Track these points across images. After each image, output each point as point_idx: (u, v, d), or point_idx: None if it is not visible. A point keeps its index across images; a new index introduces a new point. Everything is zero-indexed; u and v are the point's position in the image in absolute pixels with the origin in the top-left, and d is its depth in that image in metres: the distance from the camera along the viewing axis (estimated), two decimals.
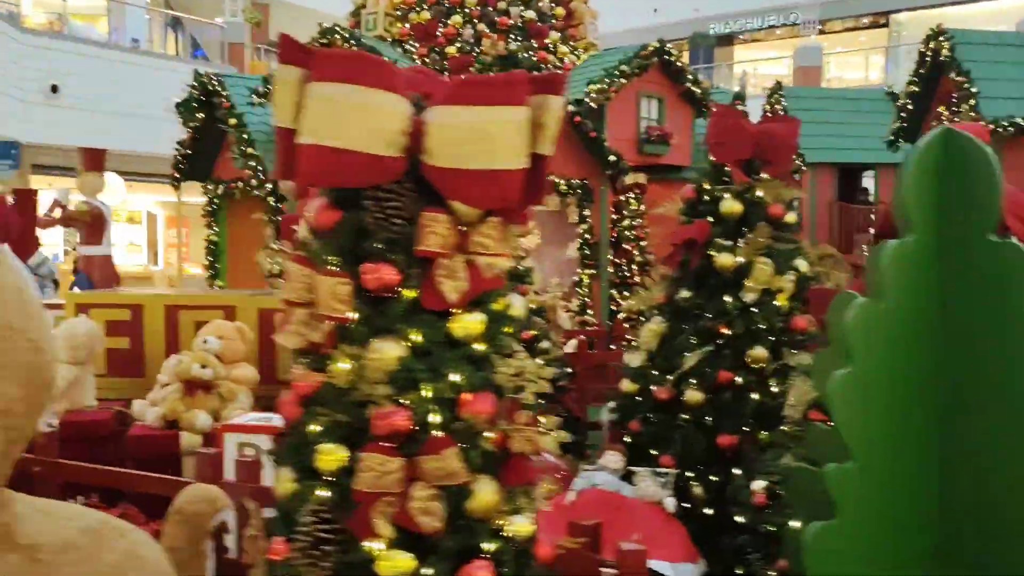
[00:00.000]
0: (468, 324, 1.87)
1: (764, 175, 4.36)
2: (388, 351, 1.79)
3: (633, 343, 5.15)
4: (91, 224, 8.85)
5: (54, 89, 16.15)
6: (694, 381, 4.33)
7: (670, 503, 3.90)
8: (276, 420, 4.88)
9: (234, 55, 20.31)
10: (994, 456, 2.05)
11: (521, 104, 1.75)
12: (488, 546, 1.88)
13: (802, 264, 4.38)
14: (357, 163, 1.72)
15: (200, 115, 10.09)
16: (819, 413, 3.37)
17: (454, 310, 1.87)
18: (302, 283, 1.87)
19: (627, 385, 4.61)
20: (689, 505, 4.18)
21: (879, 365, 2.00)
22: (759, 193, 4.33)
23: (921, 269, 2.23)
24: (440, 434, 1.82)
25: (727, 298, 4.31)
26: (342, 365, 1.84)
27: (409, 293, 1.85)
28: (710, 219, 4.42)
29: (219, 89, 9.73)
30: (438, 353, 1.85)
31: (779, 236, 4.31)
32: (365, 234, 1.85)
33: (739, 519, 4.06)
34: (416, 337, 1.84)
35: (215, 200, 10.75)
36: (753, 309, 4.28)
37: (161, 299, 6.64)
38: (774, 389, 4.25)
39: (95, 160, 8.81)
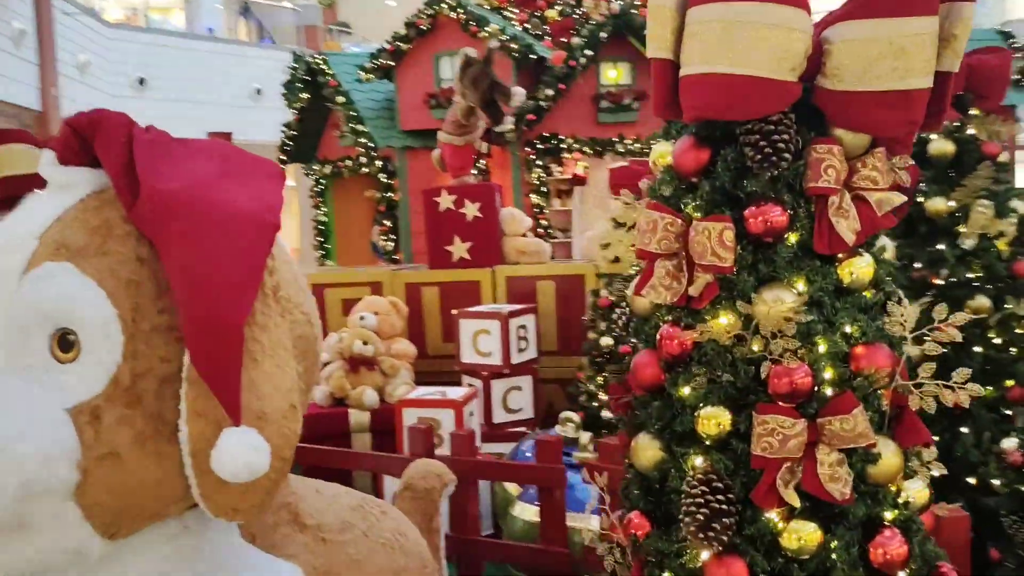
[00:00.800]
0: (858, 268, 1.67)
1: (974, 111, 4.05)
2: (785, 301, 1.61)
3: None
4: None
5: (141, 82, 16.36)
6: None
7: None
8: (451, 393, 4.79)
9: (310, 38, 20.37)
10: None
11: (934, 13, 1.54)
12: (889, 515, 1.69)
13: (1021, 205, 4.07)
14: (757, 91, 1.53)
15: (304, 95, 10.03)
16: None
17: (840, 254, 1.68)
18: (667, 232, 1.69)
19: None
20: None
21: None
22: (971, 131, 4.04)
23: None
24: (839, 392, 1.64)
25: (941, 246, 4.03)
26: (724, 320, 1.66)
27: (793, 236, 1.66)
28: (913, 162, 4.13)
29: (324, 68, 9.66)
30: (830, 302, 1.66)
31: (996, 177, 4.02)
32: (741, 173, 1.66)
33: (971, 480, 3.83)
34: (803, 285, 1.65)
35: (322, 180, 10.72)
36: (969, 256, 4.00)
37: (306, 278, 6.60)
38: (997, 341, 3.98)
39: None
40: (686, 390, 1.72)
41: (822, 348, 1.64)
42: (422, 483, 3.12)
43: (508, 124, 7.89)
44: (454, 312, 5.58)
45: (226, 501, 2.04)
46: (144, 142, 2.17)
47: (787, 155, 1.61)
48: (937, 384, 1.67)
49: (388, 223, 9.76)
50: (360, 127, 9.36)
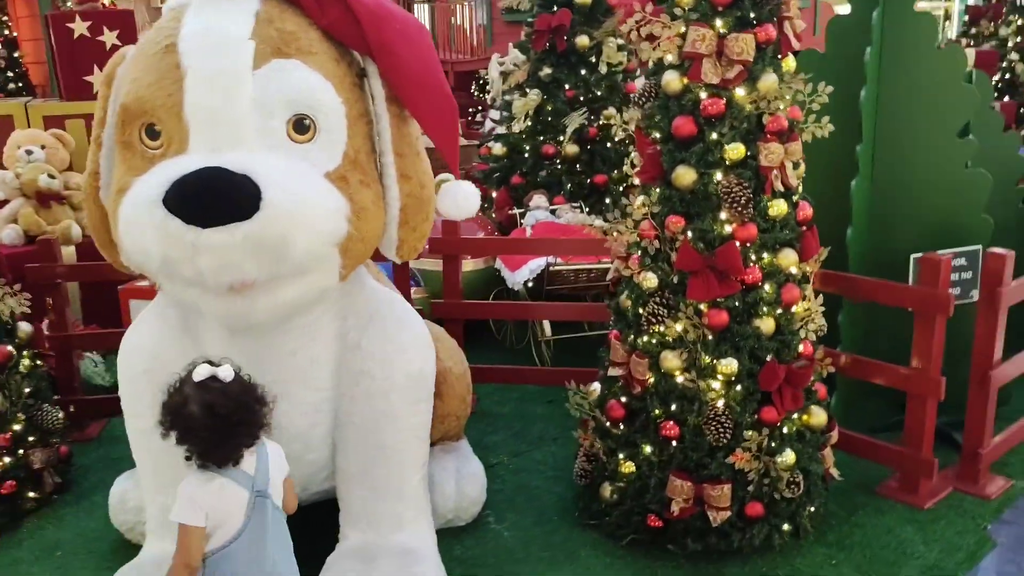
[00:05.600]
0: (790, 63, 3.07)
1: None
2: (772, 81, 2.95)
3: None
4: None
5: None
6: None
7: (598, 223, 5.30)
8: None
9: None
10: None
11: None
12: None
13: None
14: None
15: None
16: None
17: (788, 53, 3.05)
18: (710, 41, 2.88)
19: (499, 150, 5.80)
20: None
21: None
22: None
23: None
24: (791, 129, 3.05)
25: (583, 71, 5.68)
26: (742, 91, 2.94)
27: (771, 47, 2.98)
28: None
29: None
30: (783, 78, 3.03)
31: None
32: (753, 5, 2.91)
33: None
34: (773, 71, 3.00)
35: None
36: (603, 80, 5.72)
37: None
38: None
39: None
40: (714, 135, 2.97)
41: (781, 106, 3.02)
42: None
43: None
44: None
45: (412, 244, 2.82)
46: None
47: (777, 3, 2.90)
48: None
49: None
50: None
